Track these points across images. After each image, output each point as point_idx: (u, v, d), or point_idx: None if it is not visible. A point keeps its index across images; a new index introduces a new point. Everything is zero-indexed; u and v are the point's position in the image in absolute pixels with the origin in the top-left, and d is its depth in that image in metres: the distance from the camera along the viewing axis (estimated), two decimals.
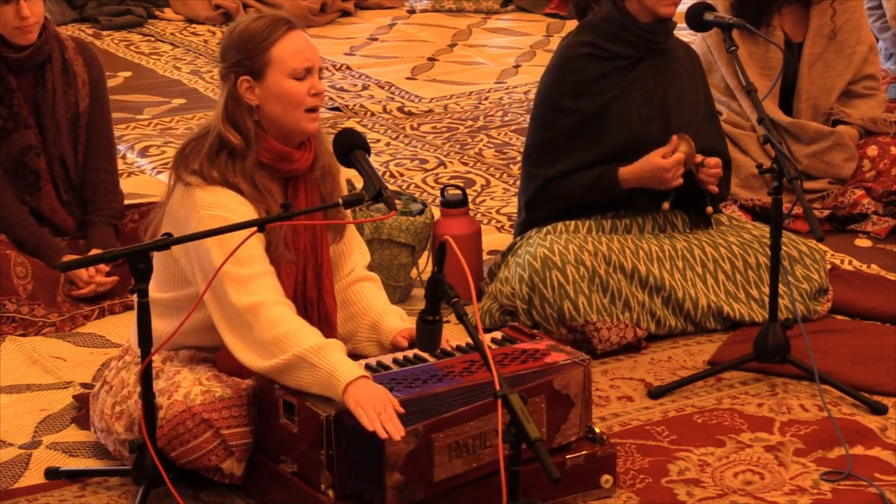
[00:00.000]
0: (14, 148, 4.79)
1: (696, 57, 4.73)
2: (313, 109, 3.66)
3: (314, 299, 3.76)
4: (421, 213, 4.86)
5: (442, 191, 4.89)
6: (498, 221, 5.54)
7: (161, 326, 3.63)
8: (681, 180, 4.44)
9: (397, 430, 3.29)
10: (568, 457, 3.59)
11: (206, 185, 3.62)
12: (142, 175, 6.08)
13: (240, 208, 3.59)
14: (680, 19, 4.55)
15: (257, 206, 3.62)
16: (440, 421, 3.37)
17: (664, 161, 4.41)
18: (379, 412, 3.32)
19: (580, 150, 4.53)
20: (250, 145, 3.64)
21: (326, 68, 7.77)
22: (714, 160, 4.47)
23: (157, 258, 3.75)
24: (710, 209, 4.55)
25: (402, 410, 3.34)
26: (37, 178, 4.83)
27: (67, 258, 4.66)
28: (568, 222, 4.53)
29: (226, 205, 3.59)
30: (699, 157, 4.45)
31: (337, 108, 7.07)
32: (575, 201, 4.54)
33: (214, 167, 3.63)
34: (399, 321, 3.81)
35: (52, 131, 4.82)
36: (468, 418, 3.40)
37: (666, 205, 4.53)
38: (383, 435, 3.28)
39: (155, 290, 3.72)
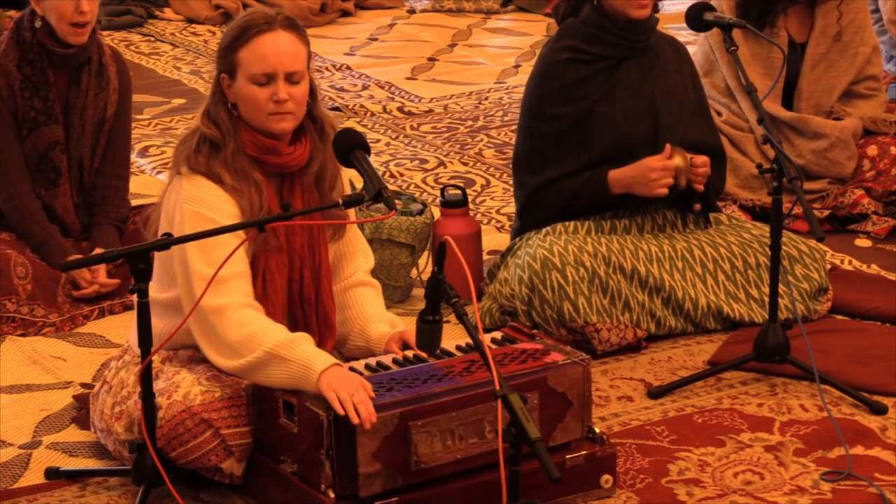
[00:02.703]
0: (41, 141, 4.80)
1: (683, 51, 4.71)
2: (276, 113, 3.66)
3: (312, 299, 3.76)
4: (421, 213, 4.86)
5: (442, 191, 4.89)
6: (498, 221, 5.54)
7: (160, 326, 3.63)
8: (665, 190, 4.42)
9: (369, 414, 3.31)
10: (568, 457, 3.59)
11: (192, 175, 3.64)
12: (142, 175, 6.08)
13: (220, 204, 3.61)
14: (680, 19, 4.54)
15: (239, 196, 3.62)
16: (419, 409, 3.38)
17: (654, 163, 4.39)
18: (352, 394, 3.33)
19: (569, 156, 4.52)
20: (227, 136, 3.67)
21: (326, 68, 7.77)
22: (701, 159, 4.45)
23: (157, 257, 3.75)
24: (697, 206, 4.54)
25: (373, 395, 3.36)
26: (57, 174, 4.84)
27: (72, 258, 4.66)
28: (567, 223, 4.53)
29: (206, 200, 3.60)
30: (687, 156, 4.43)
31: (337, 108, 7.07)
32: (566, 205, 4.53)
33: (200, 157, 3.66)
34: (388, 328, 3.81)
35: (77, 131, 4.84)
36: (450, 408, 3.41)
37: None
38: (355, 420, 3.30)
39: (154, 290, 3.72)
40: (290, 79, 3.65)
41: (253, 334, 3.51)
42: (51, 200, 4.86)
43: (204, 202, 3.60)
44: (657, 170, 4.39)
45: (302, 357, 3.46)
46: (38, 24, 4.73)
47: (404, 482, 3.40)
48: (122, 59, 5.02)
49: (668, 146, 4.42)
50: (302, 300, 3.75)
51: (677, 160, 4.41)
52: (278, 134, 3.68)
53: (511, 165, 4.72)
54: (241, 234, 3.55)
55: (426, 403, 3.41)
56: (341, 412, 3.32)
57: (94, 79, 4.85)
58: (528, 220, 4.61)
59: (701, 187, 4.46)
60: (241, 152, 3.66)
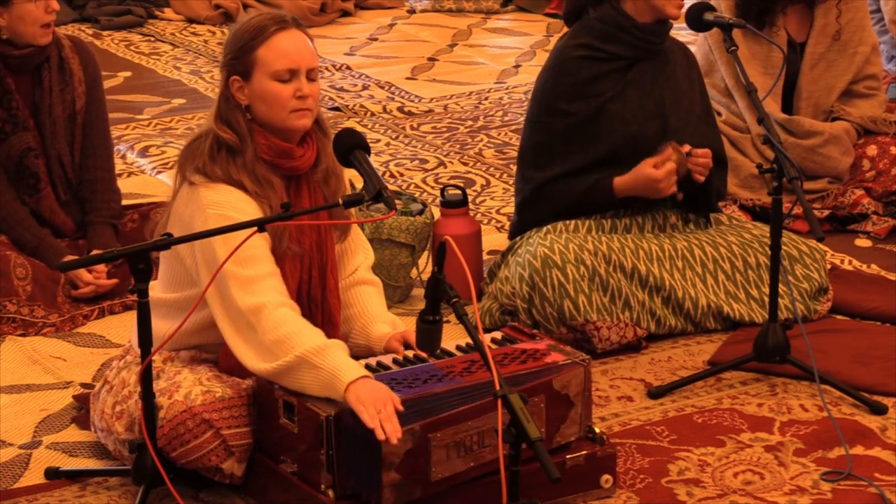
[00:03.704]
0: (13, 150, 4.78)
1: (692, 57, 4.73)
2: (298, 109, 3.66)
3: (318, 299, 3.77)
4: (421, 213, 4.86)
5: (442, 191, 4.89)
6: (498, 221, 5.54)
7: (164, 327, 3.63)
8: (675, 188, 4.44)
9: (395, 430, 3.29)
10: (568, 457, 3.59)
11: (210, 184, 3.62)
12: (142, 175, 6.08)
13: (244, 206, 3.60)
14: (680, 19, 4.54)
15: (261, 202, 3.62)
16: (438, 420, 3.38)
17: (656, 172, 4.41)
18: (379, 410, 3.32)
19: (576, 153, 4.52)
20: (245, 141, 3.65)
21: (326, 68, 7.77)
22: (702, 150, 4.46)
23: (164, 259, 3.76)
24: (680, 196, 4.55)
25: (402, 409, 3.35)
26: (36, 180, 4.83)
27: (68, 259, 4.66)
28: (568, 222, 4.53)
29: (231, 203, 3.59)
30: (687, 147, 4.45)
31: (337, 108, 7.07)
32: (569, 206, 4.54)
33: (217, 165, 3.63)
34: (389, 328, 3.81)
35: (50, 131, 4.81)
36: (466, 418, 3.41)
37: (680, 195, 4.55)
38: (381, 436, 3.29)
39: (160, 291, 3.73)
40: (309, 76, 3.66)
41: (288, 335, 3.49)
42: (36, 205, 4.84)
43: (229, 205, 3.59)
44: (662, 179, 4.40)
45: (332, 366, 3.44)
46: (4, 35, 4.69)
47: (423, 493, 3.39)
48: (86, 48, 4.95)
49: (667, 148, 4.42)
50: (309, 299, 3.75)
51: (674, 157, 4.42)
52: (298, 132, 3.68)
53: (516, 160, 4.72)
54: (259, 233, 3.51)
55: (445, 414, 3.39)
56: (370, 426, 3.30)
57: (56, 75, 4.81)
58: (528, 216, 4.61)
59: (701, 178, 4.47)
60: (259, 157, 3.65)
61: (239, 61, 3.65)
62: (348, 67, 7.86)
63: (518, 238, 4.61)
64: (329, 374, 3.43)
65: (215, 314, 3.58)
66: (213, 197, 3.61)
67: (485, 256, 4.98)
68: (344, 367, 3.44)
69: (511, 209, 5.57)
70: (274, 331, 3.50)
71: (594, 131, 4.51)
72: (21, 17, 4.67)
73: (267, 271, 3.58)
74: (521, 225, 4.64)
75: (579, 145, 4.52)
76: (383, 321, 3.84)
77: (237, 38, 3.66)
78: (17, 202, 4.81)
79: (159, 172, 6.07)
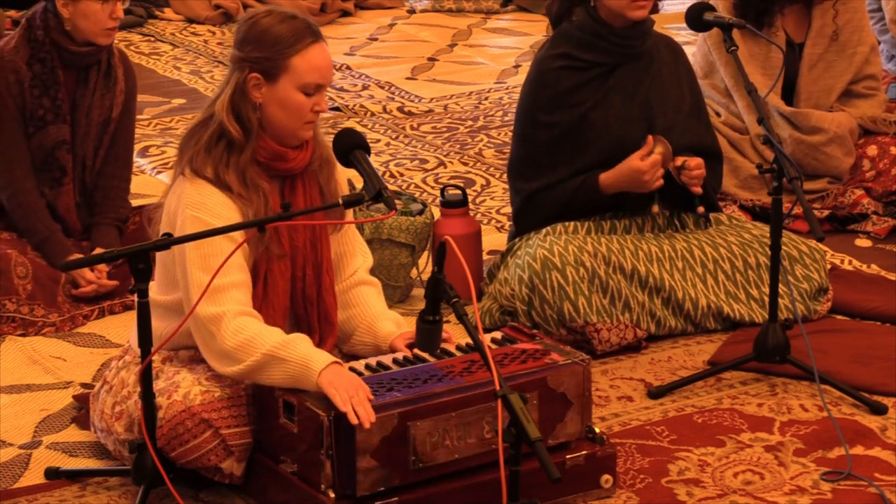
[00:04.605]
0: (47, 140, 4.79)
1: (679, 52, 4.70)
2: (311, 122, 3.67)
3: (314, 297, 3.77)
4: (421, 213, 4.86)
5: (442, 191, 4.89)
6: (498, 221, 5.54)
7: (162, 327, 3.63)
8: (661, 182, 4.43)
9: (368, 415, 3.32)
10: (568, 457, 3.59)
11: (196, 180, 3.62)
12: (142, 175, 6.08)
13: (222, 211, 3.59)
14: (680, 19, 4.54)
15: (244, 206, 3.61)
16: (417, 409, 3.39)
17: (641, 163, 4.40)
18: (351, 395, 3.35)
19: (562, 163, 4.51)
20: (250, 140, 3.65)
21: None
22: (695, 161, 4.45)
23: (159, 260, 3.76)
24: (701, 209, 4.53)
25: (372, 398, 3.37)
26: (62, 173, 4.84)
27: (72, 258, 4.66)
28: (567, 223, 4.53)
29: (208, 207, 3.59)
30: (680, 160, 4.44)
31: (337, 108, 7.07)
32: (560, 210, 4.53)
33: (210, 158, 3.63)
34: (394, 327, 3.82)
35: (83, 131, 4.83)
36: (449, 409, 3.42)
37: (655, 207, 4.54)
38: (353, 420, 3.31)
39: (156, 293, 3.73)
40: (326, 91, 3.69)
41: (250, 339, 3.51)
42: (54, 199, 4.86)
43: (206, 208, 3.59)
44: (647, 171, 4.39)
45: (300, 356, 3.46)
46: (68, 27, 4.70)
47: (401, 481, 3.41)
48: (129, 61, 5.01)
49: (649, 140, 4.41)
50: (304, 298, 3.76)
51: (658, 149, 4.42)
52: (301, 141, 3.68)
53: (506, 172, 4.72)
54: (238, 241, 3.53)
55: (425, 403, 3.41)
56: (342, 410, 3.33)
57: (102, 79, 4.84)
58: (524, 224, 4.61)
59: (698, 189, 4.47)
60: (254, 159, 3.66)
61: (268, 62, 3.62)
62: (348, 67, 7.86)
63: (517, 239, 4.61)
64: (299, 364, 3.44)
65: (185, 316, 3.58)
66: (194, 197, 3.61)
67: (485, 256, 4.98)
68: (313, 355, 3.46)
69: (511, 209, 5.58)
70: (234, 337, 3.51)
71: (579, 141, 4.50)
72: (85, 15, 4.69)
73: (233, 281, 3.57)
74: (519, 233, 4.64)
75: (565, 155, 4.51)
76: (387, 318, 3.85)
77: (271, 38, 3.61)
78: (37, 192, 4.82)
79: (159, 172, 6.08)
